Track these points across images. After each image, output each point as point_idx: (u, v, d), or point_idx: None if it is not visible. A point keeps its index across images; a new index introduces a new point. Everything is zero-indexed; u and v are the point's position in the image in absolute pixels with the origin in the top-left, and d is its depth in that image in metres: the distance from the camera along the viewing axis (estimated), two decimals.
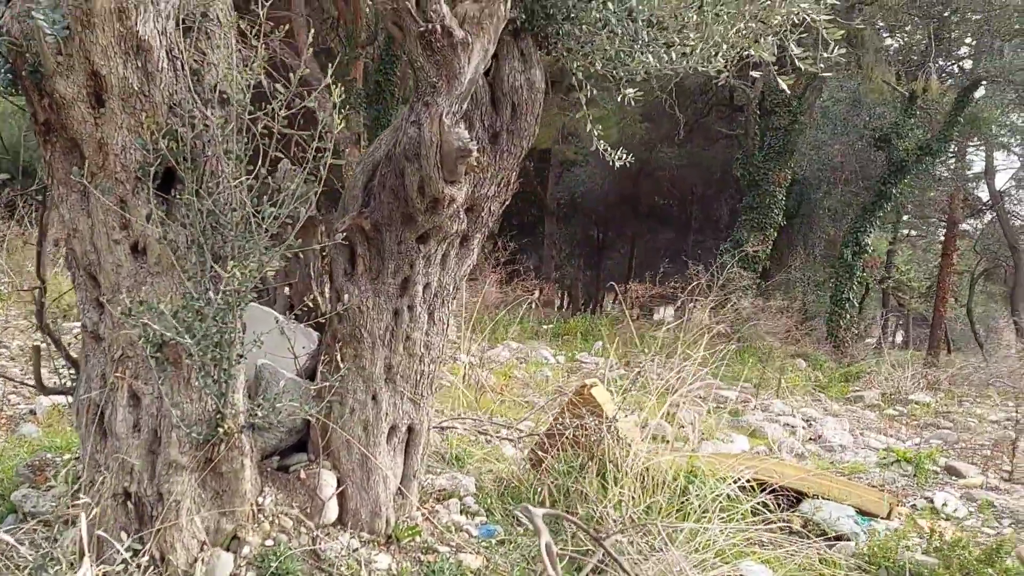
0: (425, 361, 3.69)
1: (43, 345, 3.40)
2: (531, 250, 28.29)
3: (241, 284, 2.72)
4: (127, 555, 2.67)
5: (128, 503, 2.96)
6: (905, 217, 25.65)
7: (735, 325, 10.91)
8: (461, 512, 3.99)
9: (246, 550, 3.05)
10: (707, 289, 9.60)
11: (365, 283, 3.51)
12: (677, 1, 3.36)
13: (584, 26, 3.31)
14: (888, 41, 18.93)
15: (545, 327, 15.03)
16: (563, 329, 14.93)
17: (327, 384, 3.32)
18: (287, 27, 2.85)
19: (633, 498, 3.97)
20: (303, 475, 3.43)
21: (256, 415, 2.98)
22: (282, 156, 2.90)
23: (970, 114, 17.04)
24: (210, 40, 2.84)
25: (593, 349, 12.66)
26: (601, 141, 3.88)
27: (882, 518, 4.82)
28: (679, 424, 5.79)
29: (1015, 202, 26.29)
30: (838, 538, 4.36)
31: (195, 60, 2.75)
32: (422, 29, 2.96)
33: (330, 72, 2.78)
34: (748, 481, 4.42)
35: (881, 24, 17.94)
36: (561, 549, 3.48)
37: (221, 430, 2.94)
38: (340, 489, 3.45)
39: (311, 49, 14.11)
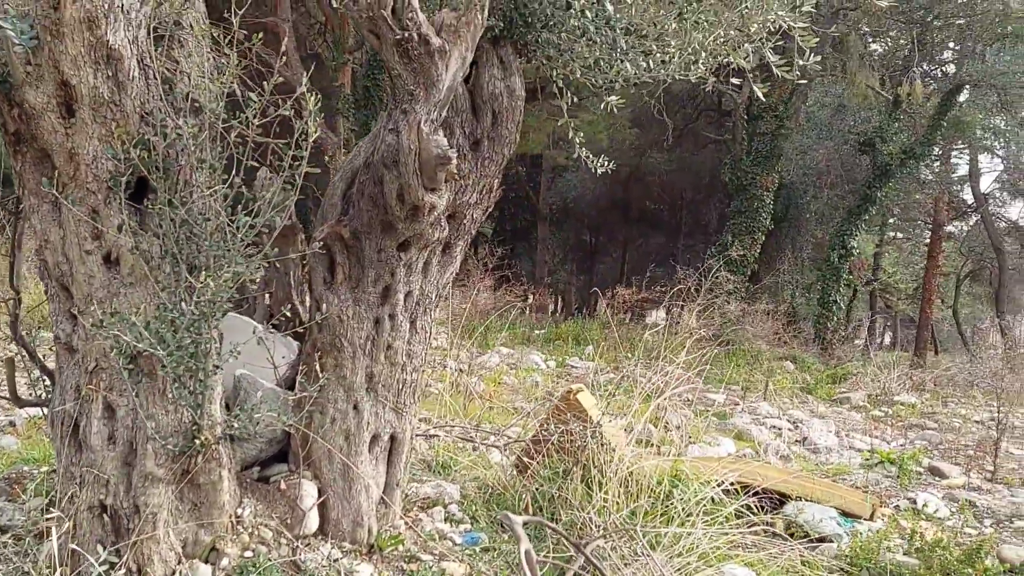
0: (407, 370, 3.67)
1: (18, 357, 3.36)
2: (525, 255, 28.32)
3: (215, 294, 2.69)
4: (103, 568, 2.64)
5: (104, 516, 2.94)
6: (891, 220, 25.80)
7: (722, 328, 10.92)
8: (445, 520, 3.97)
9: (225, 562, 3.03)
10: (695, 293, 9.61)
11: (345, 292, 3.49)
12: (655, 9, 3.37)
13: (563, 34, 3.32)
14: (872, 46, 19.05)
15: (536, 332, 15.03)
16: (554, 334, 14.93)
17: (307, 394, 3.29)
18: (260, 34, 2.83)
19: (617, 503, 3.97)
20: (283, 485, 3.40)
21: (233, 426, 2.96)
22: (258, 165, 2.88)
23: (954, 118, 17.17)
24: (183, 48, 2.82)
25: (584, 354, 12.66)
26: (583, 148, 3.88)
27: (865, 519, 4.83)
28: (665, 427, 5.80)
29: (999, 204, 26.51)
30: (821, 540, 4.37)
31: (167, 69, 2.73)
32: (399, 37, 2.96)
33: (305, 78, 2.77)
34: (732, 484, 4.42)
35: (865, 29, 18.07)
36: (544, 556, 3.47)
37: (198, 441, 2.91)
38: (321, 499, 3.43)
39: (296, 55, 14.10)
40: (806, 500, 4.74)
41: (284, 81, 2.88)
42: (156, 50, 2.69)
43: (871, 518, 4.88)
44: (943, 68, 19.48)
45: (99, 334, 2.67)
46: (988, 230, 23.34)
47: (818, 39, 3.45)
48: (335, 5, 3.30)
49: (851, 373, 13.69)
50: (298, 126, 2.84)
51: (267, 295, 3.99)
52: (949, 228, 24.86)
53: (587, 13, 3.21)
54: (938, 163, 21.91)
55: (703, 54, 3.47)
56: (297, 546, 3.22)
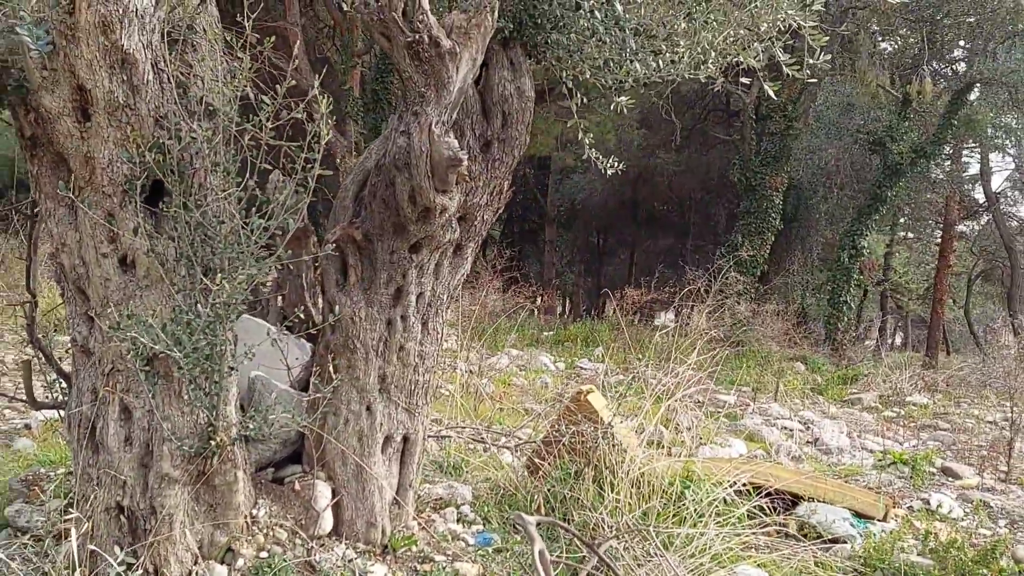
0: (420, 371, 3.69)
1: (35, 360, 3.39)
2: (532, 257, 28.33)
3: (230, 296, 2.71)
4: (121, 569, 2.66)
5: (121, 517, 2.96)
6: (902, 220, 25.67)
7: (732, 329, 10.90)
8: (458, 521, 3.98)
9: (240, 562, 3.05)
10: (704, 294, 9.60)
11: (357, 293, 3.51)
12: (665, 9, 3.38)
13: (572, 35, 3.33)
14: (882, 45, 18.98)
15: (545, 334, 15.04)
16: (563, 336, 14.93)
17: (320, 395, 3.31)
18: (273, 38, 2.85)
19: (629, 504, 3.97)
20: (298, 486, 3.42)
21: (248, 427, 2.97)
22: (270, 168, 2.90)
23: (964, 116, 17.07)
24: (196, 52, 2.84)
25: (593, 355, 12.66)
26: (593, 150, 3.88)
27: (878, 520, 4.81)
28: (676, 429, 5.79)
29: (1011, 203, 26.36)
30: (834, 541, 4.36)
31: (181, 73, 2.76)
32: (409, 39, 2.98)
33: (316, 81, 2.79)
34: (744, 485, 4.41)
35: (875, 28, 18.00)
36: (557, 557, 3.47)
37: (213, 443, 2.93)
38: (335, 500, 3.44)
39: (306, 58, 14.15)
40: (819, 501, 4.72)
41: (296, 84, 2.90)
42: (170, 54, 2.71)
43: (884, 519, 4.86)
44: (953, 66, 19.37)
45: (116, 336, 2.69)
46: (1000, 229, 23.20)
47: (828, 38, 3.45)
48: (346, 8, 3.32)
49: (862, 374, 13.64)
50: (310, 129, 2.87)
51: (280, 297, 4.01)
52: (960, 227, 24.73)
53: (596, 14, 3.22)
54: (949, 162, 21.78)
55: (712, 54, 3.47)
56: (312, 547, 3.24)
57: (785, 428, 8.32)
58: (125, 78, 2.59)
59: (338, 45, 15.52)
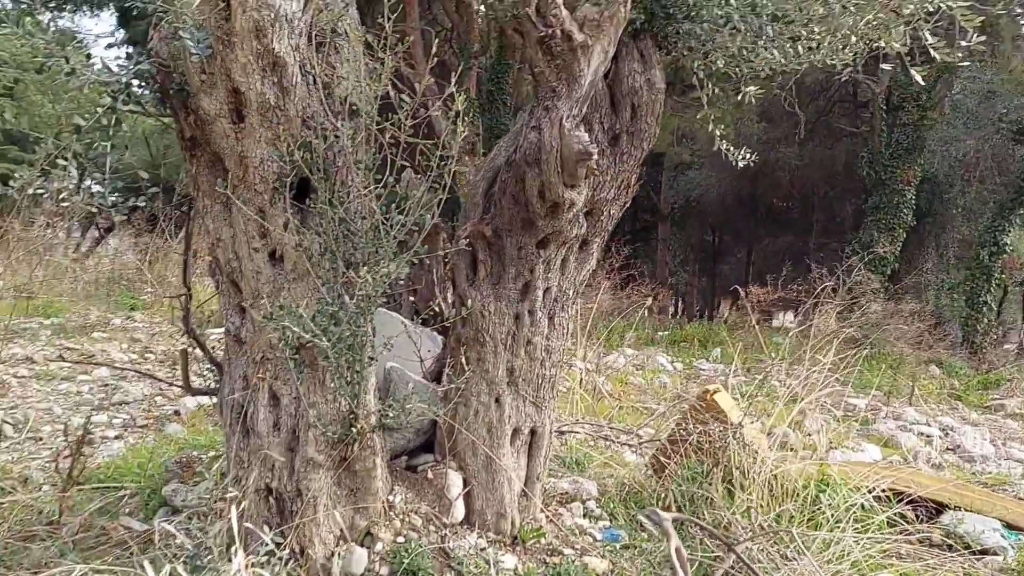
0: (546, 365, 3.71)
1: (190, 349, 3.62)
2: (644, 256, 27.98)
3: (372, 289, 2.81)
4: (271, 547, 2.80)
5: (270, 498, 3.12)
6: None
7: (864, 330, 10.42)
8: (584, 516, 3.98)
9: (379, 546, 3.15)
10: (832, 293, 9.20)
11: (487, 288, 3.57)
12: None
13: (705, 24, 3.27)
14: None
15: (660, 334, 14.83)
16: (679, 336, 14.69)
17: (452, 387, 3.39)
18: (410, 38, 2.94)
19: (761, 506, 3.86)
20: (431, 475, 3.51)
21: (388, 415, 3.07)
22: (407, 165, 2.99)
23: None
24: (339, 54, 2.96)
25: (711, 356, 12.39)
26: (723, 141, 3.81)
27: None
28: (806, 432, 5.59)
29: None
30: (983, 552, 4.10)
31: (326, 74, 2.87)
32: (542, 34, 3.00)
33: (452, 81, 2.86)
34: (883, 491, 4.21)
35: (1019, 10, 16.81)
36: (689, 555, 3.42)
37: (354, 429, 3.05)
38: (466, 490, 3.51)
39: (427, 60, 14.50)
40: (965, 510, 4.46)
41: (431, 85, 2.98)
42: (315, 56, 2.83)
43: None
44: None
45: (268, 326, 2.84)
46: None
47: (982, 18, 3.25)
48: (476, 5, 3.38)
49: (1004, 379, 12.76)
50: (444, 127, 2.94)
51: (411, 292, 4.12)
52: None
53: (731, 1, 3.15)
54: None
55: (854, 38, 3.33)
56: (445, 534, 3.31)
57: (922, 434, 7.89)
58: (275, 80, 2.73)
59: (455, 47, 15.84)
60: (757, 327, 9.47)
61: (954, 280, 19.26)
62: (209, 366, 3.58)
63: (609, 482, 4.53)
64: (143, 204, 2.81)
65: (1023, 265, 21.69)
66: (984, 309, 16.53)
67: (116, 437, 5.30)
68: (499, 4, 2.97)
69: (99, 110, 2.69)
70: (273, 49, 2.69)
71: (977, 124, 18.22)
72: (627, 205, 3.78)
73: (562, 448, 5.30)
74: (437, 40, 3.47)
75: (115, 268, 11.69)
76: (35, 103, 20.76)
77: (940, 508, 4.53)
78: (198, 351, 3.79)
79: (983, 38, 3.36)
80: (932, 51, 3.43)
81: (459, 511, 3.45)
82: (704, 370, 11.13)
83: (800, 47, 3.21)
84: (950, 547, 4.11)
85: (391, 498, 3.35)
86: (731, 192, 25.34)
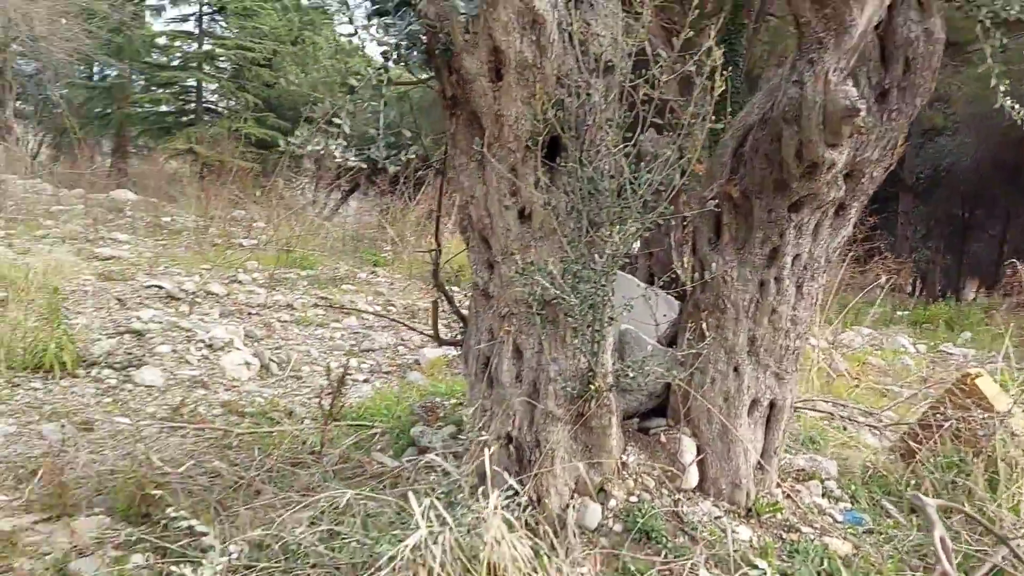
0: (791, 336, 3.54)
1: (440, 301, 3.83)
2: (882, 229, 25.85)
3: (617, 248, 2.81)
4: (512, 493, 2.91)
5: (510, 447, 3.24)
6: None
7: None
8: (823, 495, 3.78)
9: (612, 503, 3.19)
10: None
11: (730, 253, 3.45)
12: None
13: None
14: None
15: (900, 313, 13.71)
16: (922, 316, 13.48)
17: (691, 352, 3.32)
18: None
19: None
20: (663, 439, 3.49)
21: (627, 375, 3.08)
22: (659, 123, 2.93)
23: None
24: (594, 10, 2.95)
25: (960, 340, 11.27)
26: (1008, 98, 3.39)
27: None
28: None
29: None
30: None
31: (581, 31, 2.88)
32: None
33: (712, 36, 2.76)
34: None
35: None
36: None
37: (592, 387, 3.08)
38: (700, 457, 3.45)
39: (657, 21, 14.19)
40: None
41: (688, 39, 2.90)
42: (572, 13, 2.84)
43: None
44: None
45: (517, 282, 2.93)
46: None
47: None
48: None
49: None
50: (699, 83, 2.84)
51: (648, 255, 4.09)
52: None
53: None
54: None
55: None
56: (679, 498, 3.29)
57: None
58: (534, 38, 2.77)
59: (686, 8, 15.37)
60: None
61: None
62: (456, 319, 3.77)
63: (848, 463, 4.27)
64: (412, 157, 2.98)
65: None
66: None
67: (364, 380, 5.77)
68: None
69: (370, 70, 2.88)
70: (534, 7, 2.73)
71: None
72: (891, 167, 3.48)
73: (795, 424, 5.07)
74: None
75: (358, 228, 12.65)
76: (290, 72, 22.84)
77: None
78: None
79: None
80: None
81: (693, 477, 3.41)
82: (953, 355, 10.15)
83: None
84: None
85: (624, 457, 3.37)
86: (989, 160, 22.65)
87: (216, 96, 24.98)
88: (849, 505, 3.74)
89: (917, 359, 9.34)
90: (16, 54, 20.03)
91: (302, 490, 3.49)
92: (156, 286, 7.67)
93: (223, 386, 5.44)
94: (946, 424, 3.97)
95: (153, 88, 24.81)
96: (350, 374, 4.58)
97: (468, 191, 3.19)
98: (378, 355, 6.49)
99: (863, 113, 2.90)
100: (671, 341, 3.71)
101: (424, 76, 3.20)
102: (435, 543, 2.44)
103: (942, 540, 2.53)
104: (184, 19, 24.25)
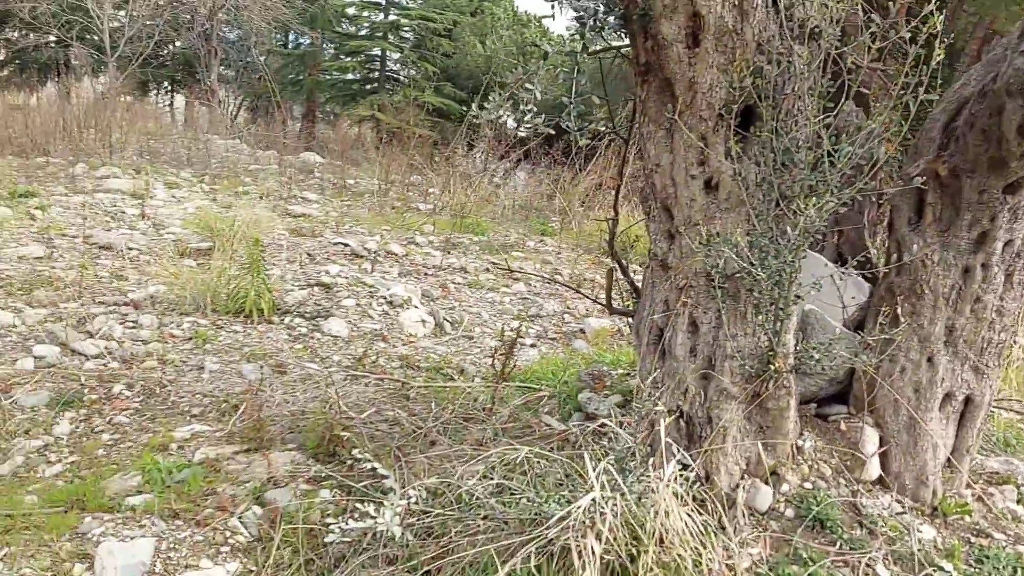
0: (995, 328, 3.27)
1: (615, 270, 3.83)
2: None
3: (812, 223, 2.69)
4: (681, 466, 2.89)
5: (680, 421, 3.22)
6: None
7: None
8: (1017, 502, 3.49)
9: (784, 488, 3.10)
10: None
11: (932, 235, 3.22)
12: None
13: None
14: None
15: None
16: None
17: (882, 338, 3.14)
18: None
19: None
20: (843, 427, 3.34)
21: (811, 357, 2.97)
22: (865, 92, 2.77)
23: None
24: None
25: None
26: None
27: None
28: None
29: None
30: None
31: None
32: None
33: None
34: None
35: None
36: None
37: (772, 367, 2.99)
38: (882, 449, 3.28)
39: None
40: None
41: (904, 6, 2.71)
42: None
43: None
44: None
45: (699, 253, 2.88)
46: None
47: None
48: None
49: None
50: (911, 51, 2.66)
51: (837, 233, 3.89)
52: None
53: None
54: None
55: None
56: (857, 489, 3.14)
57: None
58: (736, 3, 2.68)
59: None
60: None
61: None
62: (629, 289, 3.76)
63: None
64: (601, 127, 2.99)
65: None
66: None
67: (531, 345, 5.89)
68: None
69: (564, 37, 2.89)
70: None
71: None
72: None
73: (988, 423, 4.69)
74: None
75: (528, 197, 12.83)
76: (468, 43, 23.36)
77: None
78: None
79: None
80: None
81: (873, 469, 3.24)
82: None
83: None
84: None
85: (800, 442, 3.25)
86: None
87: (398, 65, 26.01)
88: None
89: None
90: (222, 22, 21.70)
91: (474, 444, 3.63)
92: (342, 243, 8.15)
93: (401, 341, 5.72)
94: None
95: (341, 56, 26.17)
96: (520, 338, 4.67)
97: (654, 160, 3.16)
98: (544, 321, 6.59)
99: None
100: (858, 326, 3.52)
101: (616, 43, 3.18)
102: (606, 507, 2.47)
103: None
104: None
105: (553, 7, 3.01)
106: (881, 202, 3.84)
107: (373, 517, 2.79)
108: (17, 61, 24.12)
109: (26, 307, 5.50)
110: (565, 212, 11.02)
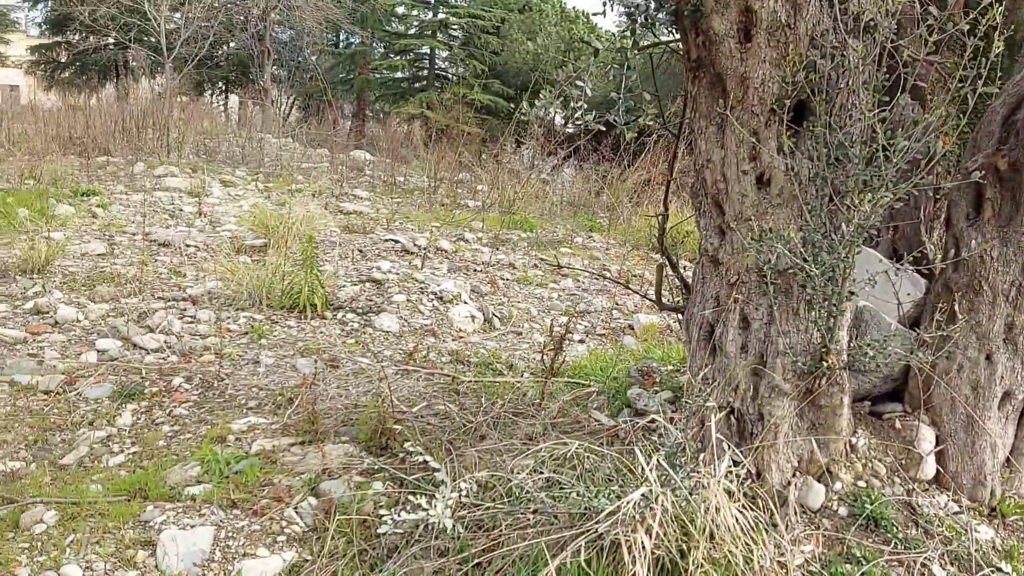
0: None
1: (664, 266, 3.83)
2: None
3: (867, 219, 2.67)
4: (732, 463, 2.89)
5: (731, 417, 3.21)
6: None
7: None
8: None
9: (838, 486, 3.07)
10: None
11: (991, 230, 3.15)
12: None
13: None
14: None
15: None
16: None
17: (938, 335, 3.09)
18: None
19: None
20: (898, 425, 3.29)
21: (865, 354, 2.93)
22: (921, 86, 2.73)
23: None
24: None
25: None
26: None
27: None
28: None
29: None
30: None
31: None
32: None
33: None
34: None
35: None
36: None
37: (825, 364, 2.96)
38: (939, 448, 3.22)
39: None
40: None
41: None
42: None
43: None
44: None
45: (751, 249, 2.87)
46: None
47: None
48: None
49: None
50: (969, 44, 2.60)
51: (892, 229, 3.83)
52: None
53: None
54: None
55: None
56: (912, 488, 3.10)
57: None
58: None
59: None
60: None
61: None
62: (679, 285, 3.76)
63: None
64: (650, 123, 2.99)
65: None
66: None
67: (580, 341, 5.91)
68: None
69: (615, 34, 2.90)
70: None
71: None
72: None
73: None
74: None
75: (576, 193, 12.82)
76: (517, 40, 23.40)
77: None
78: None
79: None
80: None
81: (929, 468, 3.19)
82: None
83: None
84: None
85: (853, 440, 3.22)
86: None
87: (447, 63, 26.19)
88: None
89: None
90: (275, 23, 22.10)
91: (523, 438, 3.66)
92: (393, 240, 8.27)
93: (451, 336, 5.79)
94: None
95: (391, 55, 26.46)
96: (569, 333, 4.70)
97: (705, 155, 3.15)
98: (593, 318, 6.60)
99: None
100: (914, 322, 3.47)
101: (666, 39, 3.18)
102: (656, 503, 2.48)
103: None
104: None
105: (604, 3, 3.02)
106: (938, 197, 3.76)
107: (425, 509, 2.84)
108: (78, 63, 24.94)
109: (89, 302, 5.70)
110: (613, 208, 10.99)
